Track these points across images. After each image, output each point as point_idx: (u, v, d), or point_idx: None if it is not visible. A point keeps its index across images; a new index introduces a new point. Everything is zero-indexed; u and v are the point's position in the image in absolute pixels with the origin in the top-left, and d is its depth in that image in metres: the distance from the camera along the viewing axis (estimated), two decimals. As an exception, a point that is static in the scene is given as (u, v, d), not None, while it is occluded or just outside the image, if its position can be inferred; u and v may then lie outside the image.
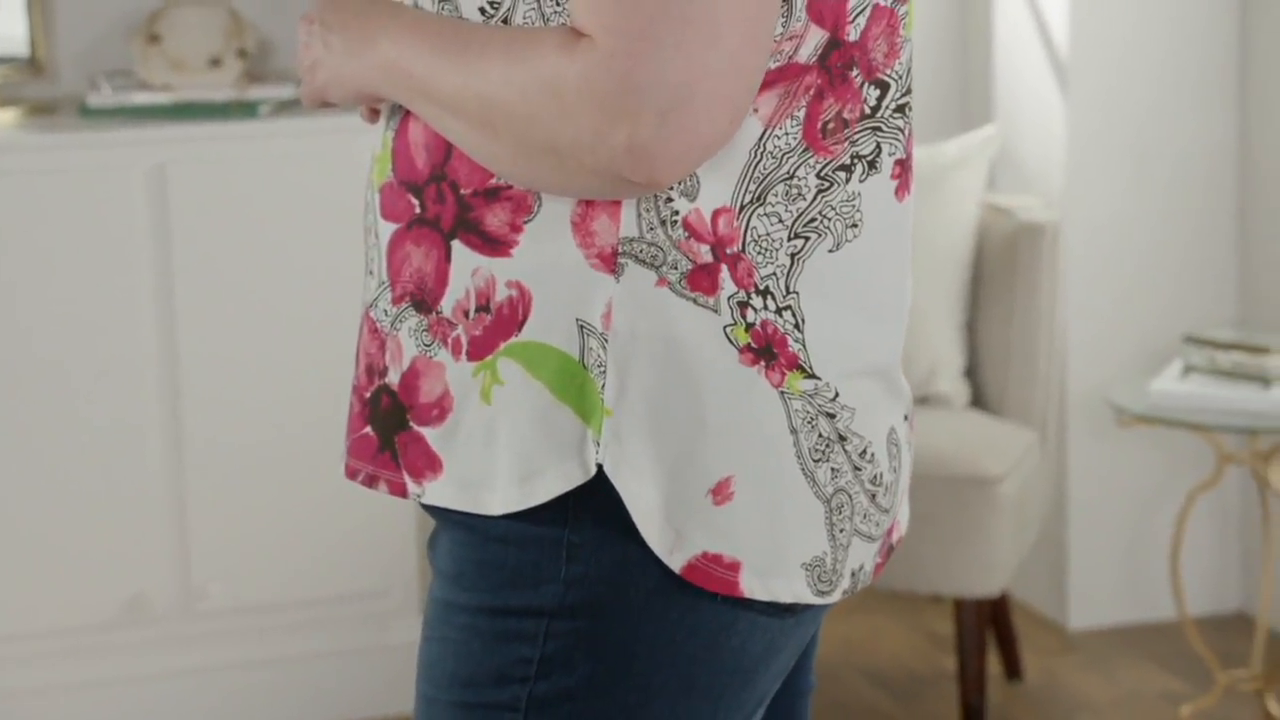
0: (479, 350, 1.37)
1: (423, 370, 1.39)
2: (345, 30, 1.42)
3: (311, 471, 3.47)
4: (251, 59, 3.69)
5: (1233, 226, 3.86)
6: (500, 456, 1.36)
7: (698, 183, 1.33)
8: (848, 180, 1.38)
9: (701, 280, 1.34)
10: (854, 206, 1.38)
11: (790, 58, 1.34)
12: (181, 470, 3.42)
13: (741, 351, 1.35)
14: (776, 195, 1.35)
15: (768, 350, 1.36)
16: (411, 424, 1.40)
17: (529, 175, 1.32)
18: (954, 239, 3.53)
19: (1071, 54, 3.76)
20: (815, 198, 1.37)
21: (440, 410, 1.38)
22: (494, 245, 1.36)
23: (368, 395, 1.44)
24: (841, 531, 1.41)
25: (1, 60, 3.67)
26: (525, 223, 1.35)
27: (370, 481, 1.44)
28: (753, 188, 1.35)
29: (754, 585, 1.37)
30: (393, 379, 1.41)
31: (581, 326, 1.34)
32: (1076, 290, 3.80)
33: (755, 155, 1.34)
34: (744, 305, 1.35)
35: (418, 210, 1.39)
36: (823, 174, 1.37)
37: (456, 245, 1.37)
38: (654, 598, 1.35)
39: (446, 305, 1.38)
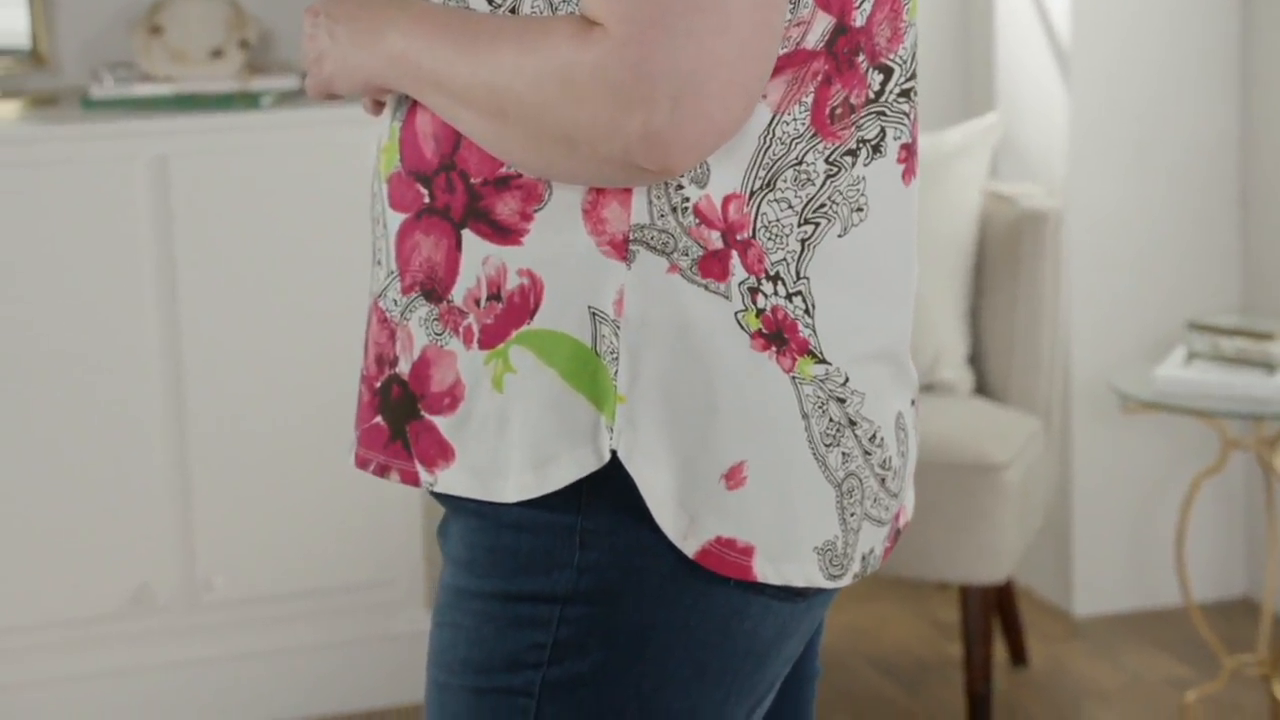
0: (491, 339, 1.37)
1: (434, 359, 1.39)
2: (352, 21, 1.42)
3: (316, 462, 3.47)
4: (253, 50, 3.69)
5: (1235, 212, 3.86)
6: (513, 444, 1.36)
7: (708, 169, 1.34)
8: (853, 165, 1.38)
9: (713, 267, 1.34)
10: (859, 191, 1.39)
11: (798, 44, 1.34)
12: (186, 462, 3.43)
13: (753, 337, 1.35)
14: (786, 181, 1.36)
15: (779, 336, 1.36)
16: (423, 413, 1.40)
17: (541, 164, 1.33)
18: (956, 227, 3.53)
19: (1073, 42, 3.76)
20: (824, 183, 1.37)
21: (452, 399, 1.39)
22: (505, 234, 1.36)
23: (378, 385, 1.44)
24: (852, 515, 1.41)
25: (3, 52, 3.67)
26: (536, 211, 1.35)
27: (382, 471, 1.44)
28: (762, 174, 1.35)
29: (767, 569, 1.37)
30: (403, 368, 1.42)
31: (594, 314, 1.34)
32: (1080, 277, 3.80)
33: (764, 141, 1.35)
34: (755, 291, 1.35)
35: (427, 200, 1.39)
36: (831, 159, 1.37)
37: (467, 234, 1.37)
38: (667, 583, 1.36)
39: (457, 294, 1.38)
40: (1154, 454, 3.87)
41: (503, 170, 1.36)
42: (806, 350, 1.37)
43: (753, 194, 1.35)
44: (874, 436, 1.42)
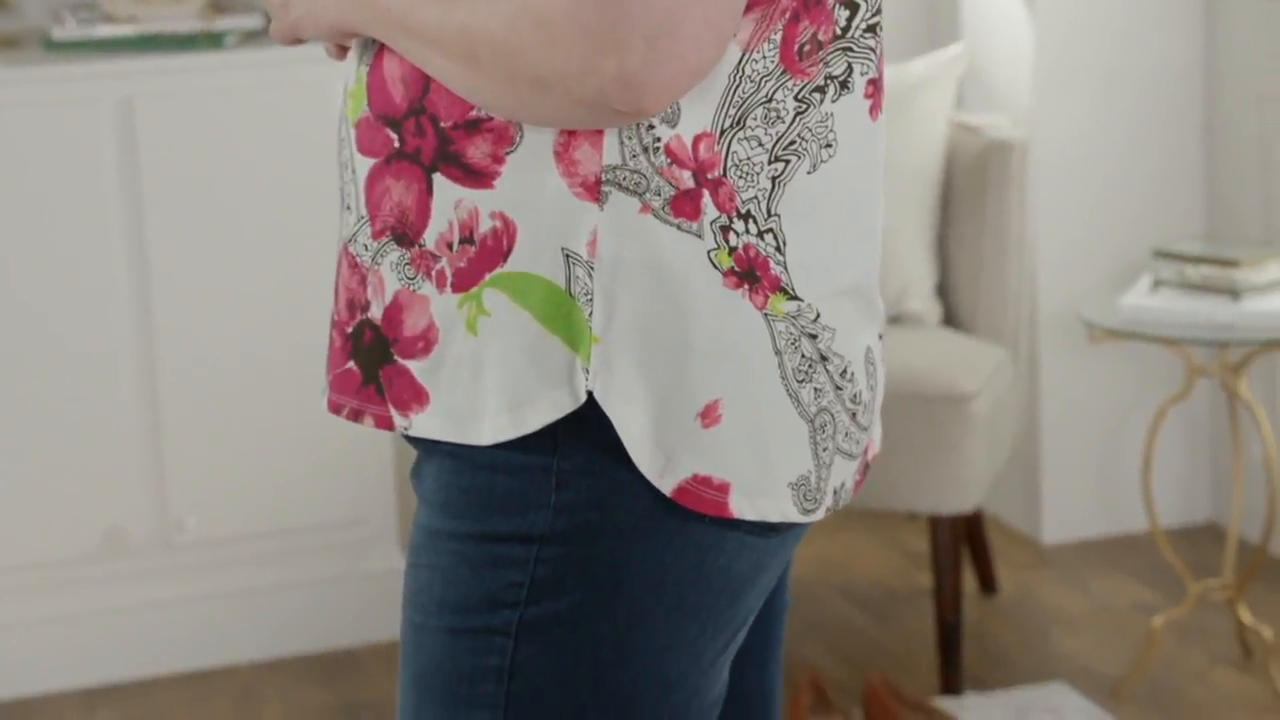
0: (463, 282, 1.37)
1: (406, 303, 1.39)
2: None
3: (287, 401, 3.47)
4: (215, -11, 3.67)
5: (1200, 141, 3.87)
6: (488, 387, 1.37)
7: (679, 109, 1.34)
8: (822, 101, 1.39)
9: (684, 206, 1.35)
10: (828, 127, 1.39)
11: (767, -19, 1.34)
12: (156, 403, 3.42)
13: (725, 275, 1.36)
14: (755, 119, 1.36)
15: (751, 274, 1.37)
16: (396, 357, 1.40)
17: (513, 107, 1.32)
18: (923, 158, 3.53)
19: (1037, -30, 3.75)
20: (794, 120, 1.37)
21: (425, 343, 1.39)
22: (476, 177, 1.36)
23: (349, 330, 1.44)
24: (825, 450, 1.42)
25: (-37, -6, 3.64)
26: (507, 154, 1.35)
27: (355, 416, 1.44)
28: (732, 112, 1.35)
29: (743, 506, 1.38)
30: (375, 313, 1.42)
31: (567, 255, 1.35)
32: (1046, 207, 3.81)
33: (734, 80, 1.35)
34: (726, 230, 1.36)
35: (396, 144, 1.39)
36: (800, 96, 1.38)
37: (438, 178, 1.37)
38: (644, 521, 1.37)
39: (429, 238, 1.38)
40: (1121, 382, 3.89)
41: (473, 113, 1.36)
42: (778, 287, 1.38)
43: (723, 132, 1.35)
44: (844, 371, 1.43)
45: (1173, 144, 3.86)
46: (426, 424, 1.40)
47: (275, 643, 3.54)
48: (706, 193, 1.35)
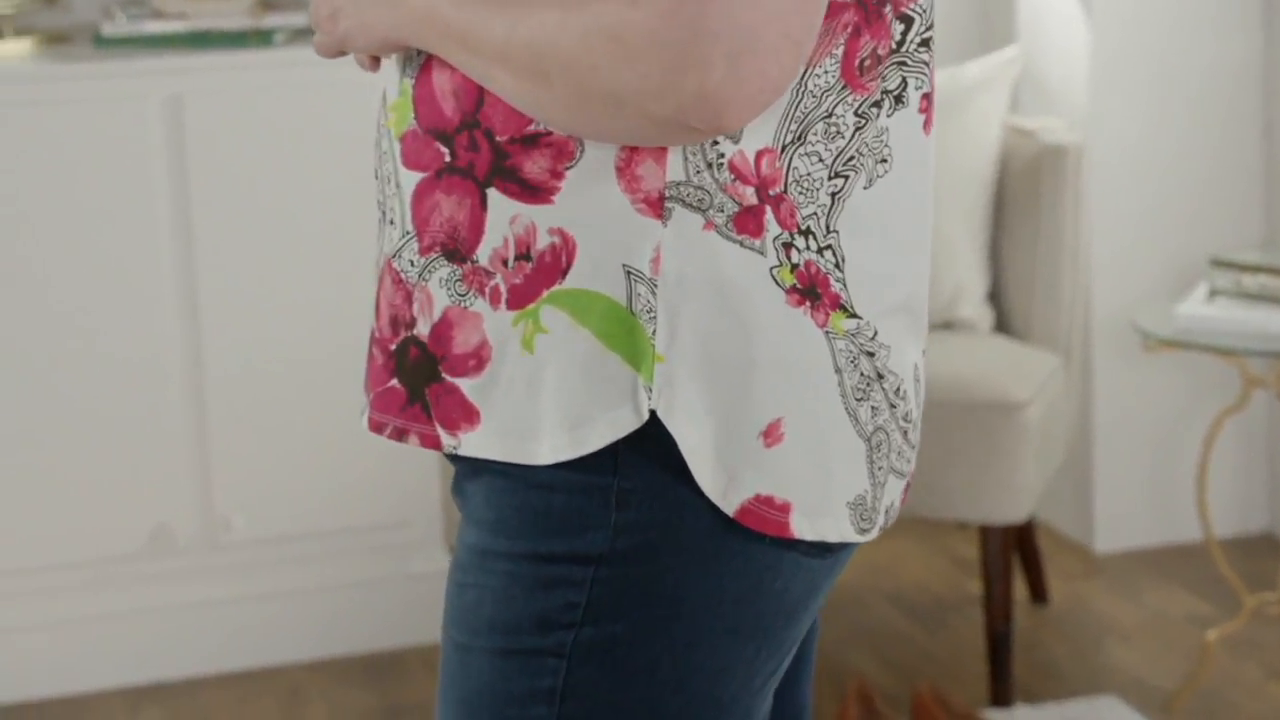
0: (519, 299, 1.35)
1: (456, 320, 1.37)
2: None
3: (333, 401, 3.46)
4: (266, -14, 3.66)
5: (1258, 146, 3.83)
6: (546, 405, 1.34)
7: (742, 124, 1.31)
8: (878, 116, 1.37)
9: (747, 222, 1.33)
10: (883, 142, 1.38)
11: (830, -5, 1.32)
12: (203, 402, 3.42)
13: (788, 293, 1.34)
14: (816, 134, 1.34)
15: (812, 291, 1.35)
16: (444, 375, 1.38)
17: (581, 124, 1.30)
18: (977, 162, 3.50)
19: (1095, -28, 3.72)
20: (853, 136, 1.36)
21: (478, 360, 1.36)
22: (534, 192, 1.34)
23: (392, 348, 1.42)
24: (880, 469, 1.41)
25: (14, -10, 3.64)
26: (567, 169, 1.33)
27: (399, 435, 1.41)
28: (794, 127, 1.33)
29: (803, 526, 1.37)
30: (422, 330, 1.39)
31: (629, 272, 1.32)
32: (1101, 213, 3.77)
33: (797, 95, 1.33)
34: (788, 246, 1.34)
35: (448, 159, 1.36)
36: (859, 111, 1.36)
37: (492, 193, 1.35)
38: (705, 541, 1.35)
39: (482, 254, 1.35)
40: (1175, 390, 3.85)
41: (531, 128, 1.33)
42: (839, 304, 1.36)
43: (784, 148, 1.33)
44: (898, 389, 1.42)
45: (1230, 149, 3.82)
46: (477, 443, 1.37)
47: (320, 643, 3.53)
48: (769, 209, 1.33)
